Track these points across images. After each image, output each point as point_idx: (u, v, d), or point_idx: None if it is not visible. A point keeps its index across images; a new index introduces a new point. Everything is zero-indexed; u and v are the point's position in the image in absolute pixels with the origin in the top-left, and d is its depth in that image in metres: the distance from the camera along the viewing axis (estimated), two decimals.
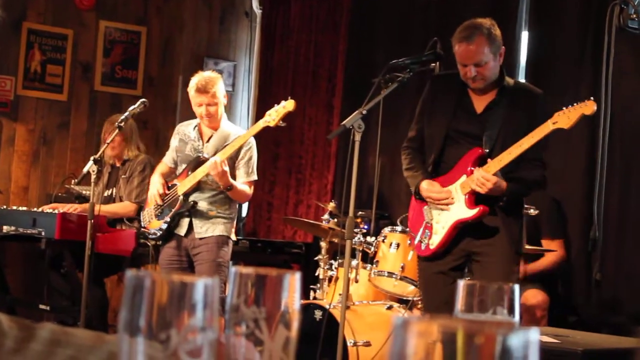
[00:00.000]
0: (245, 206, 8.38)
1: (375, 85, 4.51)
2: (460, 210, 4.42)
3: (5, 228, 6.19)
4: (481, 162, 4.37)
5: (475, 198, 4.38)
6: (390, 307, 5.41)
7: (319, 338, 5.01)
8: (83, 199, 6.50)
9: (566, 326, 5.04)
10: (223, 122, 5.50)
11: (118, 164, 6.55)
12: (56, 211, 6.08)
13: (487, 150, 4.38)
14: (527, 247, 5.19)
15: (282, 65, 8.46)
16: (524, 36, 6.43)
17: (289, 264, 7.14)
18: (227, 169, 5.20)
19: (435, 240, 4.49)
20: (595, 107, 4.18)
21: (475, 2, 6.57)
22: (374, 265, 5.48)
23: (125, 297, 0.85)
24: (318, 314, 5.15)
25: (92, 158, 5.42)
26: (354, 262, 5.49)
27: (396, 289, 5.46)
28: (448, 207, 4.45)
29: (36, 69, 7.92)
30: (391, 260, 5.42)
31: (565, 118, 4.18)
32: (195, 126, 5.56)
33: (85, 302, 5.42)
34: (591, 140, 5.75)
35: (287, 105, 5.21)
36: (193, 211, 5.39)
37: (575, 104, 4.19)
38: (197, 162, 5.38)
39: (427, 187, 4.51)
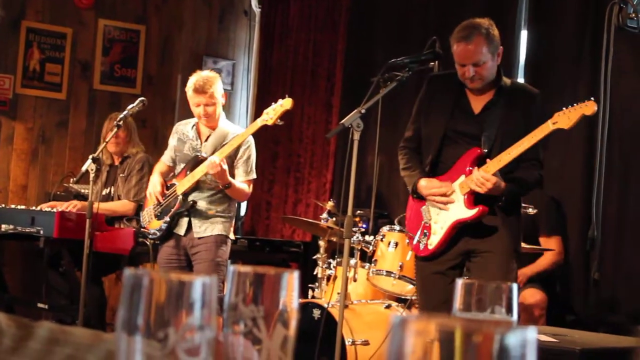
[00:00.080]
0: (243, 205, 8.38)
1: (374, 84, 4.51)
2: (459, 211, 4.41)
3: (3, 227, 6.19)
4: (480, 162, 4.37)
5: (474, 198, 4.38)
6: (388, 306, 5.41)
7: (317, 337, 5.01)
8: (82, 198, 6.50)
9: (564, 325, 5.05)
10: (221, 121, 5.50)
11: (116, 163, 6.55)
12: (54, 210, 6.07)
13: (486, 151, 4.38)
14: (525, 246, 5.19)
15: (281, 64, 8.46)
16: (523, 35, 6.43)
17: (288, 263, 7.14)
18: (225, 167, 5.20)
19: (433, 240, 4.49)
20: (595, 108, 4.18)
21: (474, 1, 6.58)
22: (373, 264, 5.48)
23: (124, 296, 0.85)
24: (316, 312, 5.15)
25: (90, 157, 5.42)
26: (353, 261, 5.49)
27: (394, 288, 5.46)
28: (447, 207, 4.45)
29: (35, 67, 7.92)
30: (389, 259, 5.42)
31: (565, 118, 4.18)
32: (193, 125, 5.56)
33: (84, 301, 5.42)
34: (590, 140, 5.75)
35: (285, 103, 5.21)
36: (192, 210, 5.39)
37: (575, 104, 4.19)
38: (195, 162, 5.38)
39: (427, 184, 4.51)
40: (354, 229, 5.37)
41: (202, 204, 5.41)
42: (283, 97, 5.28)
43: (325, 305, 5.11)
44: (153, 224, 5.52)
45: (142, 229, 5.64)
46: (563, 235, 5.83)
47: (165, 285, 0.84)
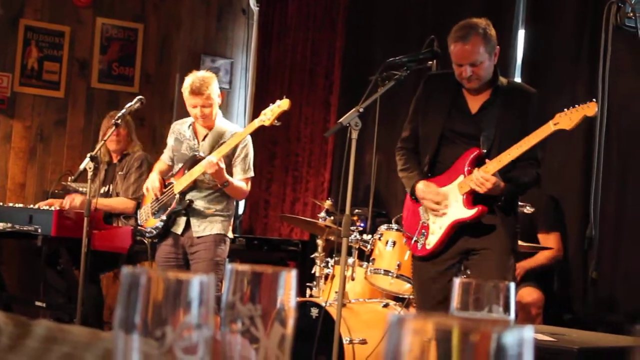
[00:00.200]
0: (242, 204, 8.38)
1: (372, 83, 4.51)
2: (458, 210, 4.41)
3: (1, 225, 6.19)
4: (479, 162, 4.37)
5: (473, 198, 4.38)
6: (386, 305, 5.41)
7: (315, 336, 5.01)
8: None
9: (562, 324, 5.05)
10: (218, 120, 5.50)
11: (115, 161, 6.55)
12: (52, 208, 6.07)
13: (485, 151, 4.38)
14: (523, 244, 5.20)
15: (279, 63, 8.45)
16: (521, 34, 6.43)
17: (286, 262, 7.14)
18: (223, 165, 5.21)
19: (432, 240, 4.49)
20: (597, 109, 4.18)
21: (473, 0, 6.57)
22: (370, 263, 5.48)
23: (121, 294, 0.85)
24: (314, 311, 5.15)
25: (88, 155, 5.42)
26: (350, 260, 5.49)
27: (392, 287, 5.46)
28: (440, 213, 4.46)
29: (33, 65, 7.92)
30: (387, 258, 5.43)
31: (567, 119, 4.18)
32: (190, 125, 5.56)
33: (81, 299, 5.42)
34: (588, 139, 5.75)
35: (282, 104, 5.22)
36: (190, 210, 5.39)
37: (577, 105, 4.18)
38: (193, 161, 5.39)
39: (424, 188, 4.51)
40: (351, 227, 5.36)
41: (200, 203, 5.41)
42: (281, 96, 5.29)
43: (323, 304, 5.11)
44: (150, 222, 5.52)
45: (139, 227, 5.64)
46: (562, 232, 5.84)
47: (163, 284, 0.84)
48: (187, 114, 5.63)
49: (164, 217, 5.43)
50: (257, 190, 8.03)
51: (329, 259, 5.72)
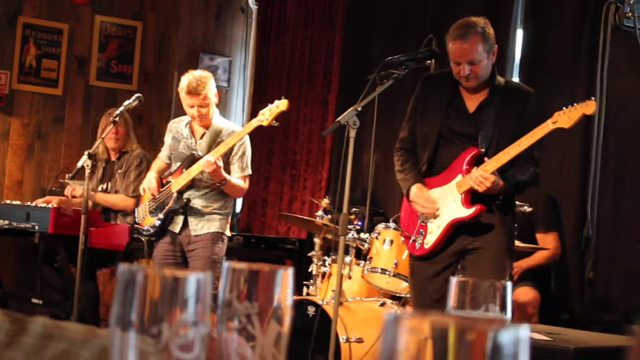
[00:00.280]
0: (239, 202, 8.38)
1: (371, 82, 4.51)
2: (457, 210, 4.42)
3: None
4: (477, 161, 4.37)
5: (471, 197, 4.39)
6: (383, 304, 5.41)
7: (312, 334, 5.02)
8: None
9: (559, 324, 5.05)
10: (215, 119, 5.50)
11: (113, 158, 6.54)
12: (50, 205, 6.07)
13: (483, 150, 4.38)
14: (521, 244, 5.20)
15: (278, 61, 8.45)
16: (519, 34, 6.43)
17: (283, 260, 7.14)
18: (221, 164, 5.21)
19: (430, 240, 4.49)
20: (596, 107, 4.18)
21: None
22: (368, 262, 5.48)
23: (118, 292, 0.85)
24: (311, 310, 5.15)
25: (86, 152, 5.41)
26: (348, 259, 5.49)
27: (389, 286, 5.46)
28: (429, 218, 4.47)
29: (31, 63, 7.91)
30: (384, 256, 5.43)
31: (565, 118, 4.18)
32: (187, 123, 5.56)
33: (78, 297, 5.42)
34: (586, 139, 5.75)
35: (280, 105, 5.22)
36: (188, 208, 5.39)
37: (575, 104, 4.19)
38: (191, 160, 5.39)
39: (416, 192, 4.51)
40: (349, 226, 5.37)
41: (198, 202, 5.41)
42: (279, 94, 5.30)
43: (320, 303, 5.11)
44: (147, 221, 5.52)
45: (136, 225, 5.64)
46: (560, 231, 5.84)
47: (160, 281, 0.84)
48: (184, 112, 5.63)
49: (161, 216, 5.43)
50: (254, 188, 8.03)
51: (326, 258, 5.72)
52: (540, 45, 6.26)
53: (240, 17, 8.80)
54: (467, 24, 4.37)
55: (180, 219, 5.42)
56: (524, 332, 0.71)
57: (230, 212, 5.57)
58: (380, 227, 5.58)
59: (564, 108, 4.20)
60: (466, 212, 4.39)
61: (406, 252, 5.12)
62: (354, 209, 5.89)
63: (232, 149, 5.39)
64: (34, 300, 6.31)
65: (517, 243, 4.84)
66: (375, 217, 6.59)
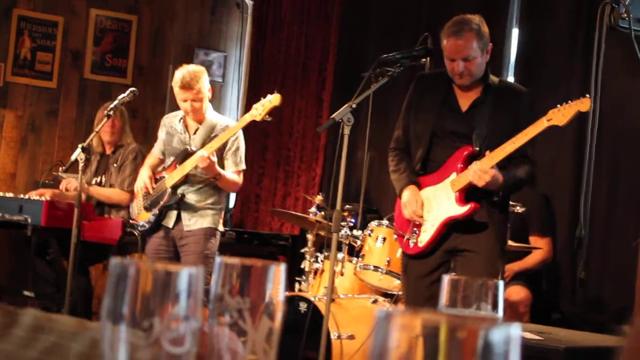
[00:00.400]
0: (232, 197, 8.38)
1: (366, 79, 4.51)
2: (451, 208, 4.42)
3: None
4: (471, 160, 4.38)
5: (465, 195, 4.39)
6: (375, 301, 5.41)
7: (303, 330, 5.02)
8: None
9: (550, 323, 5.06)
10: (208, 113, 5.50)
11: (108, 152, 6.53)
12: (43, 198, 6.06)
13: (477, 148, 4.38)
14: (514, 244, 5.20)
15: (273, 57, 8.45)
16: (515, 33, 6.44)
17: (276, 256, 7.14)
18: (215, 159, 5.21)
19: (424, 238, 4.49)
20: (591, 104, 4.17)
21: None
22: (360, 259, 5.48)
23: (109, 285, 0.84)
24: (303, 306, 5.15)
25: (80, 146, 5.40)
26: (340, 255, 5.49)
27: (381, 283, 5.47)
28: (416, 221, 4.49)
29: (26, 55, 7.90)
30: (377, 254, 5.42)
31: (560, 115, 4.18)
32: (181, 118, 5.55)
33: (70, 290, 5.41)
34: (580, 139, 5.76)
35: (273, 99, 5.22)
36: (181, 203, 5.39)
37: (570, 101, 4.18)
38: (185, 155, 5.38)
39: (410, 198, 4.51)
40: (342, 223, 5.37)
41: (191, 197, 5.41)
42: (274, 90, 5.29)
43: (312, 299, 5.11)
44: (142, 216, 5.52)
45: (130, 221, 5.64)
46: (553, 237, 5.84)
47: (152, 275, 0.84)
48: (179, 107, 5.62)
49: (156, 211, 5.43)
50: (248, 184, 8.03)
51: (318, 254, 5.72)
52: (536, 44, 6.27)
53: (236, 12, 8.80)
54: (462, 21, 4.37)
55: (173, 214, 5.42)
56: (515, 331, 0.71)
57: (223, 207, 5.57)
58: (373, 224, 5.58)
59: (559, 105, 4.20)
60: (460, 210, 4.39)
61: (400, 250, 5.12)
62: (347, 206, 5.89)
63: (225, 144, 5.39)
64: (26, 293, 6.30)
65: (510, 243, 4.85)
66: (369, 214, 6.59)
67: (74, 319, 1.12)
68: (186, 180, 5.41)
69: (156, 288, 0.84)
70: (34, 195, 6.28)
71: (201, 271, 0.87)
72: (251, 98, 8.08)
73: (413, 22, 7.03)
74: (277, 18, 8.49)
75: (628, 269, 5.22)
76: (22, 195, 6.38)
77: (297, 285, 5.72)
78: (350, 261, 5.58)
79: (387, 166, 4.74)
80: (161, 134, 5.66)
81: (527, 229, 5.75)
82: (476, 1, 6.43)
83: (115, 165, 6.43)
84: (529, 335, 3.92)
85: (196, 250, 5.33)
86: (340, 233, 5.00)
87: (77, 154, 5.38)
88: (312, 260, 5.68)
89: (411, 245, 4.54)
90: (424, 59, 5.08)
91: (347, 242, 5.61)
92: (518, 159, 4.37)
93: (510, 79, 6.26)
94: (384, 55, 4.59)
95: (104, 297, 0.85)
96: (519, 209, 5.25)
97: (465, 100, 4.49)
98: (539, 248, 5.72)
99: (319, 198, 5.98)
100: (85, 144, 5.42)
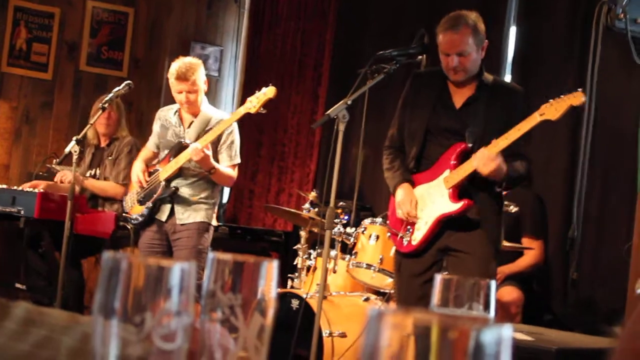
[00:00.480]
0: (226, 193, 8.37)
1: (361, 75, 4.51)
2: (445, 205, 4.41)
3: None
4: (464, 156, 4.38)
5: (458, 192, 4.39)
6: (367, 299, 5.42)
7: (295, 327, 5.02)
8: None
9: (541, 324, 5.07)
10: (203, 107, 5.50)
11: (103, 144, 6.52)
12: (36, 190, 6.05)
13: (470, 145, 4.38)
14: (507, 244, 5.20)
15: (269, 52, 8.45)
16: (512, 31, 6.45)
17: (268, 252, 7.14)
18: (209, 152, 5.20)
19: (417, 236, 4.49)
20: (583, 98, 4.16)
21: None
22: (353, 257, 5.48)
23: (101, 279, 0.84)
24: (295, 303, 5.15)
25: (74, 138, 5.40)
26: (333, 253, 5.49)
27: (374, 281, 5.47)
28: (409, 220, 4.49)
29: (22, 46, 7.88)
30: (370, 252, 5.43)
31: (552, 109, 4.18)
32: (176, 111, 5.55)
33: (62, 283, 5.40)
34: (574, 139, 5.77)
35: (268, 92, 5.22)
36: (175, 197, 5.39)
37: (562, 95, 4.19)
38: (179, 148, 5.38)
39: (402, 198, 4.51)
40: (335, 220, 5.37)
41: (185, 191, 5.40)
42: (269, 85, 5.29)
43: (304, 296, 5.11)
44: (135, 209, 5.51)
45: (124, 214, 5.64)
46: (545, 239, 5.85)
47: (144, 270, 0.84)
48: (175, 101, 5.62)
49: (149, 204, 5.42)
50: (242, 179, 8.02)
51: (311, 251, 5.72)
52: (533, 43, 6.28)
53: (233, 7, 8.79)
54: (458, 16, 4.39)
55: (167, 208, 5.41)
56: (507, 332, 0.71)
57: (217, 201, 5.56)
58: (366, 222, 5.58)
59: (551, 100, 4.19)
60: (454, 206, 4.39)
61: (393, 249, 5.12)
62: (341, 203, 5.90)
63: (220, 137, 5.38)
64: (18, 285, 6.30)
65: (504, 243, 4.84)
66: (362, 212, 6.60)
67: (65, 313, 1.12)
68: (180, 173, 5.40)
69: (148, 283, 0.84)
70: (27, 187, 6.26)
71: (193, 266, 0.87)
72: (246, 93, 8.03)
73: (410, 20, 7.03)
74: (273, 13, 8.49)
75: (620, 271, 5.23)
76: (15, 187, 6.37)
77: (289, 282, 5.72)
78: (343, 258, 5.58)
79: (382, 164, 4.74)
80: (156, 127, 5.66)
81: (520, 229, 5.75)
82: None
83: (110, 158, 6.43)
84: (520, 336, 3.93)
85: (189, 244, 5.32)
86: (333, 230, 5.00)
87: (71, 147, 5.37)
88: (304, 257, 5.68)
89: (405, 243, 4.54)
90: (420, 57, 5.08)
91: (340, 240, 5.61)
92: (514, 156, 4.37)
93: (508, 77, 6.27)
94: (380, 52, 4.60)
95: (96, 291, 0.85)
96: (512, 209, 5.25)
97: (459, 97, 4.50)
98: (532, 248, 5.73)
99: (312, 195, 5.98)
100: (79, 137, 5.42)
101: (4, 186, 6.48)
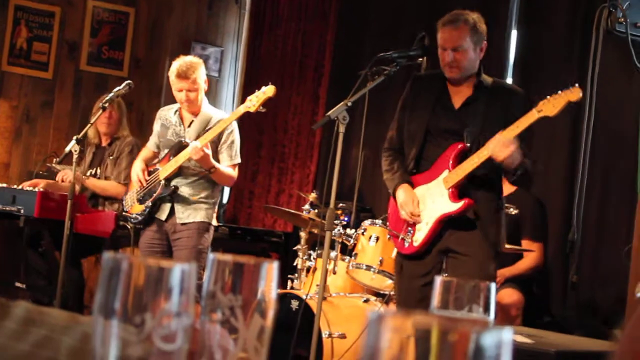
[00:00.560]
0: (226, 193, 8.37)
1: (362, 77, 4.52)
2: (445, 205, 4.41)
3: None
4: (463, 156, 4.38)
5: (458, 192, 4.39)
6: (367, 300, 5.41)
7: (295, 328, 5.01)
8: None
9: (541, 327, 5.06)
10: (204, 106, 5.50)
11: (104, 144, 6.52)
12: (36, 189, 6.05)
13: (468, 145, 4.38)
14: (507, 246, 5.20)
15: (270, 53, 8.44)
16: (513, 35, 6.45)
17: (268, 253, 7.13)
18: (209, 151, 5.20)
19: (419, 237, 4.48)
20: (581, 94, 4.16)
21: None
22: (353, 258, 5.48)
23: (102, 279, 0.84)
24: (295, 304, 5.15)
25: (75, 137, 5.40)
26: (333, 254, 5.49)
27: (373, 283, 5.47)
28: (410, 221, 4.48)
29: (22, 45, 7.88)
30: (370, 253, 5.43)
31: (550, 106, 4.18)
32: (176, 111, 5.55)
33: (62, 282, 5.40)
34: (574, 143, 5.76)
35: (267, 91, 5.23)
36: (175, 196, 5.39)
37: (560, 92, 4.18)
38: (179, 147, 5.38)
39: (404, 198, 4.51)
40: (335, 221, 5.37)
41: (185, 190, 5.40)
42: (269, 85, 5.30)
43: (304, 297, 5.11)
44: (135, 208, 5.51)
45: (124, 213, 5.63)
46: (545, 243, 5.85)
47: (144, 270, 0.84)
48: (175, 100, 5.62)
49: (149, 203, 5.42)
50: (242, 180, 8.02)
51: (311, 252, 5.72)
52: (534, 46, 6.28)
53: (234, 7, 8.79)
54: (459, 13, 4.42)
55: (167, 207, 5.41)
56: (507, 334, 0.71)
57: (217, 201, 5.56)
58: (366, 223, 5.58)
59: (548, 96, 4.19)
60: (454, 206, 4.39)
61: (395, 251, 5.12)
62: (341, 204, 5.90)
63: (220, 137, 5.39)
64: (18, 284, 6.30)
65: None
66: (362, 213, 6.60)
67: (65, 313, 1.12)
68: (180, 172, 5.40)
69: (148, 283, 0.84)
70: (27, 186, 6.26)
71: (194, 267, 0.87)
72: (247, 94, 7.98)
73: (410, 21, 7.03)
74: (274, 14, 8.49)
75: (620, 273, 5.23)
76: (15, 186, 6.37)
77: (289, 283, 5.72)
78: (343, 260, 5.58)
79: (381, 166, 4.74)
80: (156, 126, 5.66)
81: (520, 232, 5.75)
82: (475, 2, 6.44)
83: (111, 157, 6.43)
84: (520, 339, 3.92)
85: (189, 244, 5.32)
86: (333, 231, 4.99)
87: (72, 146, 5.37)
88: (304, 258, 5.68)
89: (406, 245, 4.54)
90: (420, 59, 5.08)
91: (340, 241, 5.61)
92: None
93: (509, 80, 6.27)
94: (381, 54, 4.60)
95: (96, 291, 0.85)
96: (512, 211, 5.25)
97: (458, 98, 4.51)
98: (532, 251, 5.73)
99: (312, 195, 5.98)
100: (79, 136, 5.42)
101: (4, 185, 6.49)
